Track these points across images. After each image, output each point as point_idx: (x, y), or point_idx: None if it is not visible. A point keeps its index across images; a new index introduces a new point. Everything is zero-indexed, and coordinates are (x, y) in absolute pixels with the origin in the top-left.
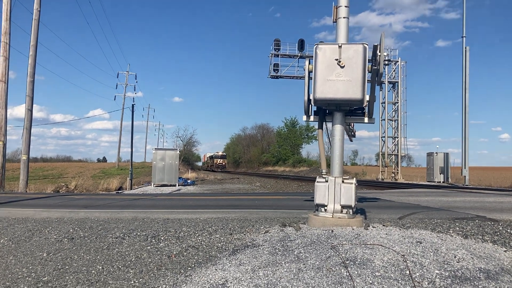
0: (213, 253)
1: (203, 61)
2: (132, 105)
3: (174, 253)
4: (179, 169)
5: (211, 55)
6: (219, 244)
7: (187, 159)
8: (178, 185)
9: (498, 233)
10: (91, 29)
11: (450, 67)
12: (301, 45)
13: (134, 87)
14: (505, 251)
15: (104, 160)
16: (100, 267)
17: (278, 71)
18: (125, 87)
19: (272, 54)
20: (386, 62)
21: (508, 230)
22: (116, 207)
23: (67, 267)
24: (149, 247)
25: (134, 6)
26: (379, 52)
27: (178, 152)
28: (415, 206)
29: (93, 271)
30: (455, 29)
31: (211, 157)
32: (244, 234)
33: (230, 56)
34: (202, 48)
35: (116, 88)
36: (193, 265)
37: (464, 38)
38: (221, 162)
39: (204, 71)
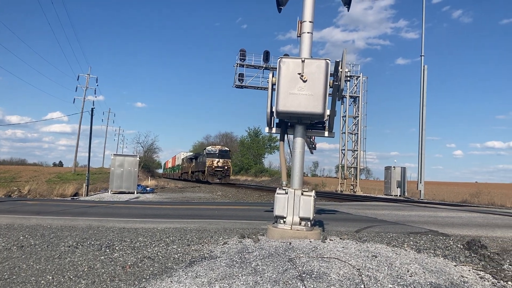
0: (169, 264)
1: (168, 67)
2: (92, 109)
3: (129, 263)
4: (139, 176)
5: (176, 61)
6: (176, 255)
7: (148, 166)
8: (137, 193)
9: (449, 247)
10: (52, 29)
11: (409, 85)
12: (266, 56)
13: (95, 90)
14: (455, 265)
15: (60, 164)
16: (50, 277)
17: (243, 81)
18: (85, 90)
19: (237, 64)
20: (348, 78)
21: (458, 245)
22: (71, 214)
23: (14, 277)
24: (103, 257)
25: (97, 8)
26: (341, 68)
27: (138, 158)
28: (372, 219)
29: (42, 281)
30: (415, 48)
31: (194, 158)
32: (202, 245)
33: (195, 64)
34: (167, 54)
35: (76, 91)
36: (148, 277)
37: (422, 57)
38: (220, 164)
39: (169, 77)
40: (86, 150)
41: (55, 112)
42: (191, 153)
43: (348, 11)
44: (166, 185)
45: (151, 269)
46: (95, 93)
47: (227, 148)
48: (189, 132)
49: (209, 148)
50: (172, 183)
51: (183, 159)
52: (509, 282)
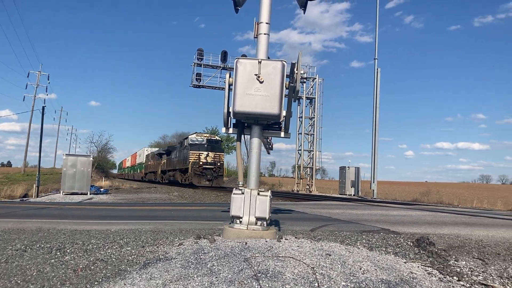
0: (123, 266)
1: (123, 65)
2: (43, 107)
3: (81, 266)
4: (92, 176)
5: (132, 60)
6: (130, 257)
7: (102, 166)
8: (90, 194)
9: (400, 245)
10: None
11: (363, 87)
12: (224, 56)
13: (46, 88)
14: (405, 262)
15: (9, 164)
16: None
17: (200, 81)
18: (36, 87)
19: (195, 63)
20: (304, 80)
21: (408, 242)
22: (19, 216)
23: None
24: (53, 260)
25: (49, 5)
26: (296, 70)
27: (91, 158)
28: (326, 218)
29: None
30: (369, 52)
31: (165, 153)
32: (157, 247)
33: (152, 62)
34: (123, 52)
35: (26, 88)
36: (100, 280)
37: (376, 60)
38: (210, 160)
39: (124, 76)
40: (36, 149)
41: (4, 110)
42: (158, 149)
43: (304, 13)
44: (121, 185)
45: (104, 271)
46: (46, 91)
47: (218, 138)
48: (145, 132)
49: (192, 137)
50: (127, 184)
51: (147, 156)
52: (455, 277)
